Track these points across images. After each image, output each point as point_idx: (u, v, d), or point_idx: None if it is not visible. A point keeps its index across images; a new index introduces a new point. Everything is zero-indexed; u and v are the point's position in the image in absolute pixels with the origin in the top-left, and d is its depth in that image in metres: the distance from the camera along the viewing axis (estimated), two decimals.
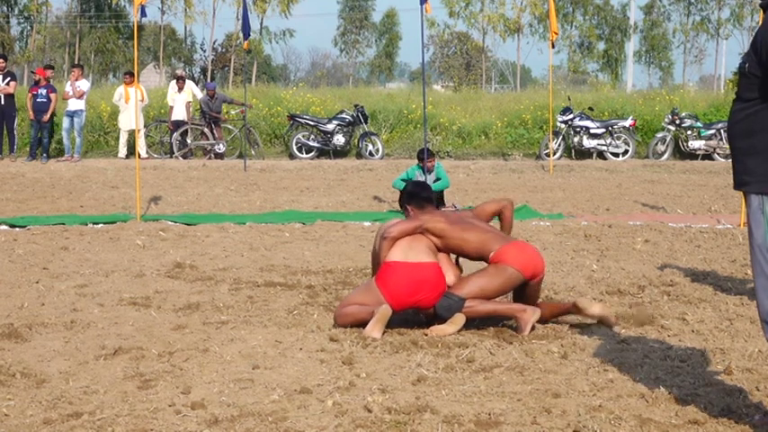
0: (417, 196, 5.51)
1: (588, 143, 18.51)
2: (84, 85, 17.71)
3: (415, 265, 5.02)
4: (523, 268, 5.08)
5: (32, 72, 19.65)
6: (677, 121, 18.34)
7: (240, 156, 17.57)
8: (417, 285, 4.99)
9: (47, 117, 17.20)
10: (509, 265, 5.07)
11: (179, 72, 22.53)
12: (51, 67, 19.51)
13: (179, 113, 18.25)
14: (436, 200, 6.62)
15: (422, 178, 9.95)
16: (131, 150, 17.52)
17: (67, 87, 17.74)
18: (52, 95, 17.30)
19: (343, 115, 18.87)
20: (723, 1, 35.01)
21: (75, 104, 17.44)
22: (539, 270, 5.17)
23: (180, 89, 18.33)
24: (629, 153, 18.40)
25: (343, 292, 6.02)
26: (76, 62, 28.32)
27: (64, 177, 14.39)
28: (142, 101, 17.44)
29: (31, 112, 17.32)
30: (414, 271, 5.00)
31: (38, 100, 17.24)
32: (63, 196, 11.83)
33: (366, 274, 6.52)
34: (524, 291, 5.22)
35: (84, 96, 17.61)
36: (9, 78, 17.30)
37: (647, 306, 5.66)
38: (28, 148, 17.69)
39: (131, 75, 17.78)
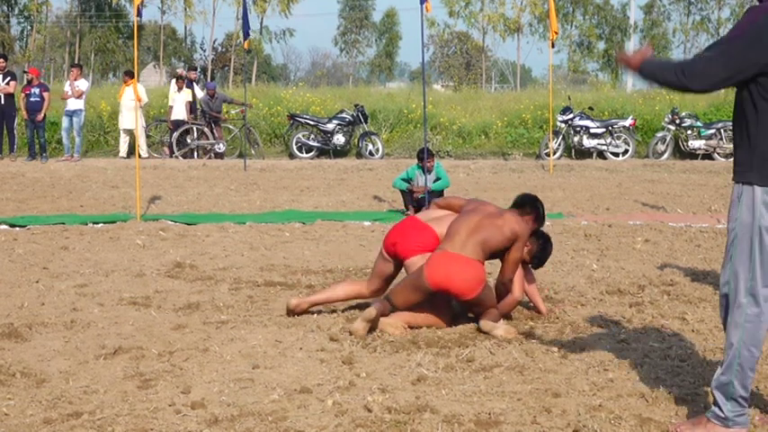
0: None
1: (588, 143, 18.51)
2: (82, 84, 17.69)
3: (419, 223, 5.38)
4: (431, 277, 4.90)
5: (24, 72, 19.62)
6: (677, 121, 18.34)
7: (240, 155, 17.56)
8: (402, 234, 5.35)
9: (41, 116, 17.17)
10: (424, 269, 4.94)
11: (179, 71, 22.53)
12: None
13: (179, 113, 18.24)
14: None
15: (422, 178, 9.95)
16: (132, 150, 17.51)
17: (66, 87, 17.73)
18: (45, 94, 17.27)
19: (343, 115, 18.87)
20: (723, 1, 35.02)
21: (74, 104, 17.43)
22: (452, 288, 4.91)
23: (179, 89, 18.33)
24: (629, 153, 18.40)
25: None
26: (76, 62, 28.33)
27: (64, 177, 14.39)
28: (139, 101, 17.39)
29: (24, 112, 17.31)
30: (411, 225, 5.41)
31: (31, 99, 17.21)
32: (63, 196, 11.83)
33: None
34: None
35: (84, 96, 17.60)
36: (9, 78, 17.29)
37: (646, 305, 5.66)
38: (27, 148, 17.69)
39: (130, 74, 17.78)
